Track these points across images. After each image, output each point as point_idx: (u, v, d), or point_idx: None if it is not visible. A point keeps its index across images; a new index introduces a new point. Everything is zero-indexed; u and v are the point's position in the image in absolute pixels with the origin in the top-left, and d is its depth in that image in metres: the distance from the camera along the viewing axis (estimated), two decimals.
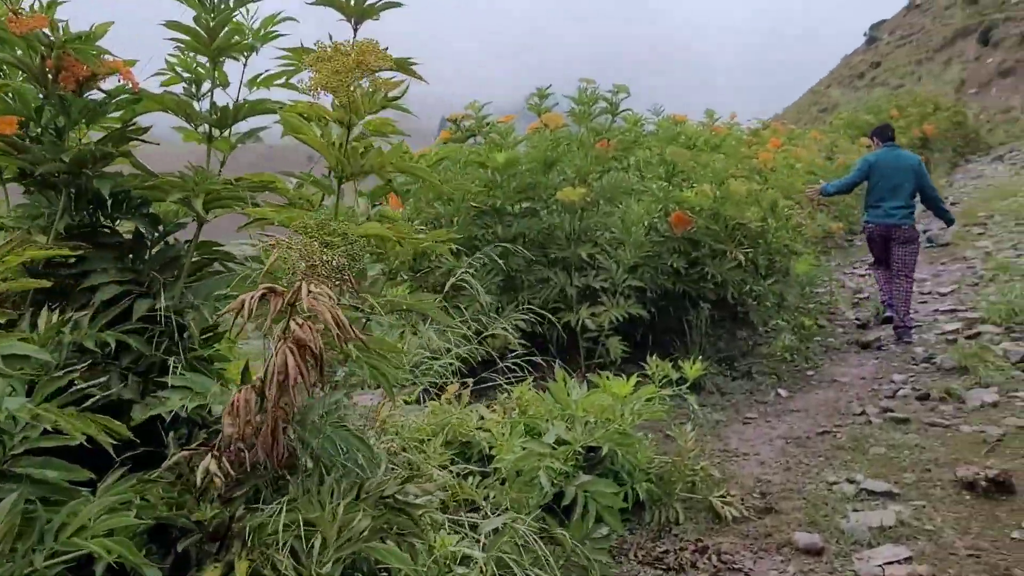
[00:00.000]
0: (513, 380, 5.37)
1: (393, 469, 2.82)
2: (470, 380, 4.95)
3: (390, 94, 1.93)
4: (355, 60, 1.64)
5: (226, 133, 2.45)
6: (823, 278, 8.35)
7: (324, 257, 1.50)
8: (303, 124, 1.86)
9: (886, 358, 6.23)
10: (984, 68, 30.37)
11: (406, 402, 4.72)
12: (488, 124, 5.99)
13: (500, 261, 5.37)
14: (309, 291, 1.46)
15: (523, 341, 5.23)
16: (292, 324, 1.58)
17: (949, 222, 7.74)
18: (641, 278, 5.36)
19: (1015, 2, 32.10)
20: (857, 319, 7.55)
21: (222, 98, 2.41)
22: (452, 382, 4.98)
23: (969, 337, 6.32)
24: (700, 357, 5.95)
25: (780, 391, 5.55)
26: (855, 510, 3.59)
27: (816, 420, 4.92)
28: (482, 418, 3.88)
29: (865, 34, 47.83)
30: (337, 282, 1.53)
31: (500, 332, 5.22)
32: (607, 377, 3.61)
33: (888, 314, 6.88)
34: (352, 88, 1.70)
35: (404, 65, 2.48)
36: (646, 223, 5.35)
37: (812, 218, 9.01)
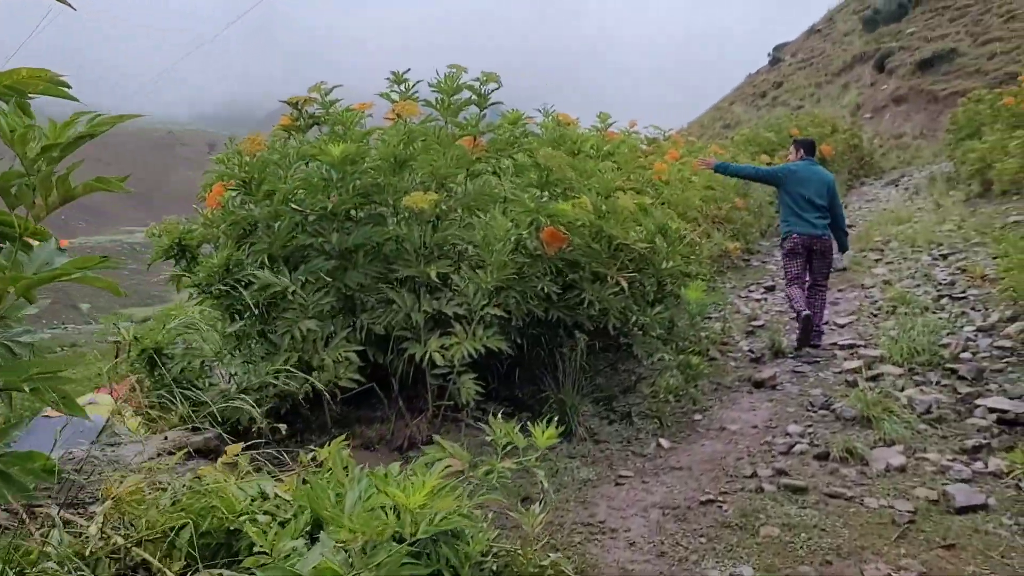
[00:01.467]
0: (338, 429, 4.42)
1: None
2: (283, 427, 3.98)
3: None
4: None
5: None
6: (717, 303, 7.71)
7: None
8: None
9: (781, 401, 5.56)
10: (879, 94, 31.18)
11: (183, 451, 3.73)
12: (338, 111, 5.00)
13: (337, 277, 4.40)
14: None
15: (355, 378, 4.27)
16: None
17: (843, 247, 7.70)
18: (506, 304, 4.49)
19: (910, 32, 33.15)
20: (751, 351, 6.91)
21: None
22: (265, 424, 3.98)
23: (870, 379, 5.72)
24: (575, 394, 5.15)
25: (662, 440, 4.76)
26: None
27: (700, 483, 4.13)
28: (264, 495, 2.90)
29: (769, 55, 48.91)
30: None
31: (328, 364, 4.26)
32: (415, 463, 2.70)
33: (805, 313, 6.63)
34: None
35: None
36: (513, 239, 4.48)
37: (708, 236, 8.38)
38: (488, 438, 3.06)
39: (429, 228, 4.40)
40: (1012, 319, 6.61)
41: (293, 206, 4.25)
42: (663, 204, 7.10)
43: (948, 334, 6.59)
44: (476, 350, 4.21)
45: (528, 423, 4.97)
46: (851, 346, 6.77)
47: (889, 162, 25.32)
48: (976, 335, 6.43)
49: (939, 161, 22.66)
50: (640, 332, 5.56)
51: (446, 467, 2.37)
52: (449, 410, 4.65)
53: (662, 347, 5.61)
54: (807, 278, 7.05)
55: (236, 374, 4.21)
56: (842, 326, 7.55)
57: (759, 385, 5.92)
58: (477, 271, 4.33)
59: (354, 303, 4.50)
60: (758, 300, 8.94)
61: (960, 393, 5.23)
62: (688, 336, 6.17)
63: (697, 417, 5.25)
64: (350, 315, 4.50)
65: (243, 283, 4.31)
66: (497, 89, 4.74)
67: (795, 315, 6.84)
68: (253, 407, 3.90)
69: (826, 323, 7.76)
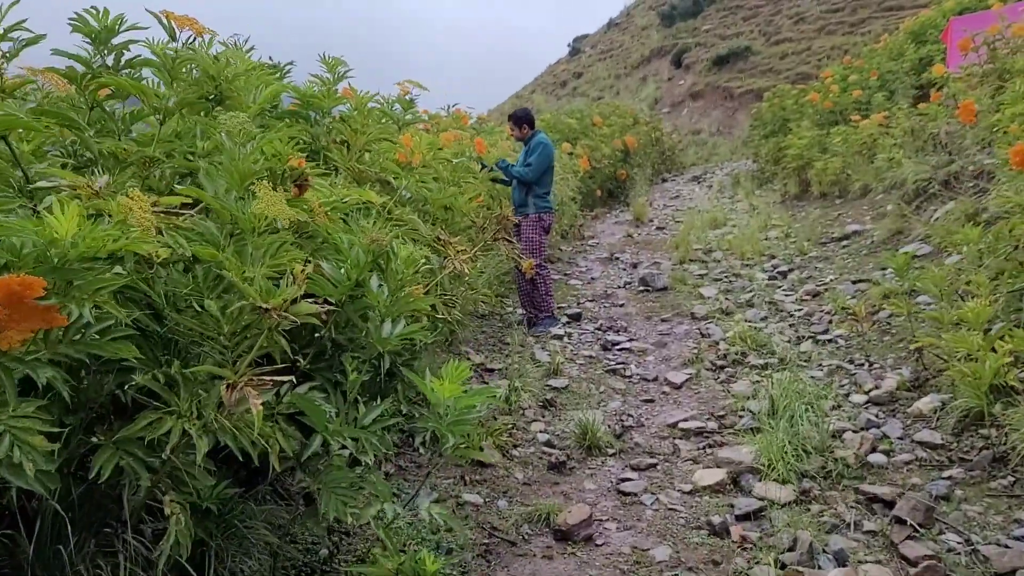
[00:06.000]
0: None
1: None
2: None
3: None
4: None
5: None
6: (492, 398, 5.14)
7: None
8: None
9: None
10: (677, 88, 30.54)
11: None
12: None
13: None
14: None
15: None
16: None
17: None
18: None
19: (705, 29, 32.88)
20: (549, 445, 4.31)
21: None
22: None
23: (743, 517, 3.31)
24: None
25: None
26: None
27: None
28: None
29: (569, 45, 48.23)
30: None
31: None
32: None
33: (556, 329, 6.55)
34: None
35: None
36: None
37: (488, 252, 5.72)
38: None
39: None
40: (916, 385, 4.51)
41: None
42: (425, 205, 4.40)
43: (833, 408, 4.39)
44: None
45: None
46: (699, 432, 4.37)
47: (688, 158, 24.37)
48: (877, 415, 4.24)
49: (737, 158, 21.84)
50: (336, 459, 2.76)
51: None
52: None
53: (385, 489, 2.83)
54: None
55: None
56: (678, 387, 5.19)
57: (564, 536, 3.32)
58: None
59: None
60: (559, 338, 6.40)
61: (910, 561, 2.91)
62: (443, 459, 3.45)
63: None
64: None
65: None
66: None
67: (547, 311, 6.67)
68: None
69: (655, 379, 5.40)
